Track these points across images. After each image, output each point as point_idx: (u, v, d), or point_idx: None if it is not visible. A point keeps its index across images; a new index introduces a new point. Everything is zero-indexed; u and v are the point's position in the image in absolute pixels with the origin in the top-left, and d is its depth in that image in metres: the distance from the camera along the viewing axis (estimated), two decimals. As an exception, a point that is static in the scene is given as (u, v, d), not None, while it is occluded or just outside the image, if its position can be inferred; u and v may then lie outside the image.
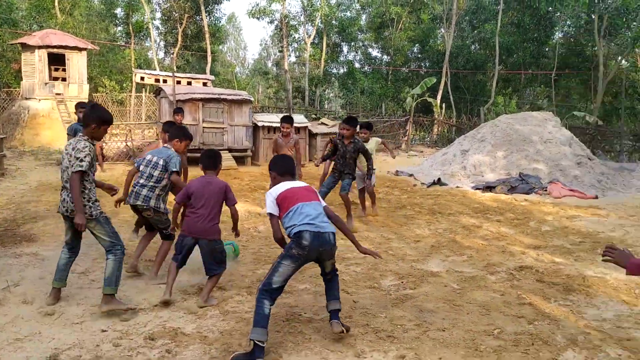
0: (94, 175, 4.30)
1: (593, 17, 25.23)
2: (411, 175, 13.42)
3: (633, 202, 10.74)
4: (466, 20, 33.69)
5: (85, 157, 4.06)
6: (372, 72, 36.93)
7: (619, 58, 26.44)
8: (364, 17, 37.59)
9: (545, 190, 11.49)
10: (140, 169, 5.16)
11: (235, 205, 4.79)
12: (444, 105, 26.27)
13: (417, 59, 37.90)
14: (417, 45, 35.89)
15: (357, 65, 37.65)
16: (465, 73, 32.77)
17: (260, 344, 3.45)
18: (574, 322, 4.34)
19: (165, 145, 5.50)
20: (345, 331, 3.86)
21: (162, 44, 32.00)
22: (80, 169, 4.02)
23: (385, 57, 37.22)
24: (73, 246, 4.43)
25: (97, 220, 4.17)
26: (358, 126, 8.15)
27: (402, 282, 5.33)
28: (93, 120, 4.20)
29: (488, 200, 10.44)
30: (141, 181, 5.08)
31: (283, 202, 3.87)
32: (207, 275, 4.61)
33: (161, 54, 32.09)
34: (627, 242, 7.23)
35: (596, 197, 11.07)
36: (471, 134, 15.00)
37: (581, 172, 12.47)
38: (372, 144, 8.84)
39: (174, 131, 5.66)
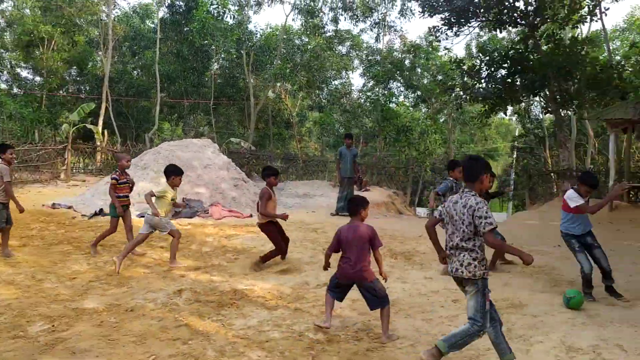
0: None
1: (242, 52, 28.07)
2: (70, 207, 12.51)
3: (280, 217, 12.29)
4: (126, 46, 33.42)
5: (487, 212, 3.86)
6: (23, 94, 33.22)
7: (267, 90, 30.01)
8: (7, 33, 33.61)
9: (207, 213, 12.20)
10: None
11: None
12: (106, 131, 25.40)
13: (75, 82, 35.75)
14: (74, 67, 33.88)
15: (2, 86, 33.36)
16: (128, 99, 32.39)
17: None
18: (224, 335, 4.73)
19: None
20: None
21: None
22: (491, 227, 3.81)
23: (38, 78, 33.96)
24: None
25: (475, 283, 3.90)
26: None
27: (54, 325, 4.93)
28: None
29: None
30: None
31: None
32: (370, 310, 4.92)
33: None
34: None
35: (251, 216, 12.27)
36: (134, 161, 14.86)
37: (238, 193, 13.67)
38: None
39: None
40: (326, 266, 5.21)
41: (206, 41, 28.50)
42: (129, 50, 33.86)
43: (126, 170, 8.15)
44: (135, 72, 34.42)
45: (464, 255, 3.92)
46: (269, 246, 8.74)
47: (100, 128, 24.64)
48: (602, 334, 4.79)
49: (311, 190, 18.20)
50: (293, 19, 45.09)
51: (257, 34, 30.15)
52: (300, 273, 7.12)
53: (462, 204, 3.94)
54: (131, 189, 8.20)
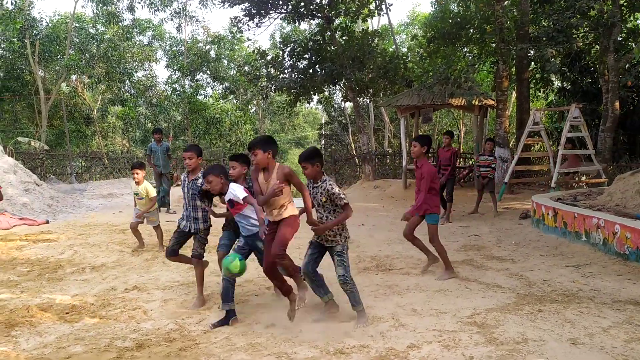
0: None
1: (27, 42, 25.10)
2: None
3: (82, 221, 11.33)
4: None
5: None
6: None
7: (59, 83, 27.31)
8: None
9: (-8, 223, 10.73)
10: None
11: None
12: None
13: None
14: None
15: None
16: None
17: None
18: (14, 358, 4.18)
19: None
20: None
21: None
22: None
23: None
24: None
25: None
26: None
27: None
28: None
29: None
30: None
31: None
32: None
33: None
34: (75, 262, 7.54)
35: (47, 222, 11.10)
36: None
37: (30, 198, 12.27)
38: None
39: None
40: None
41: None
42: None
43: None
44: None
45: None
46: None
47: None
48: (400, 301, 5.26)
49: (117, 190, 17.17)
50: (83, 6, 41.68)
51: (42, 21, 27.16)
52: (106, 278, 6.62)
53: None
54: None
